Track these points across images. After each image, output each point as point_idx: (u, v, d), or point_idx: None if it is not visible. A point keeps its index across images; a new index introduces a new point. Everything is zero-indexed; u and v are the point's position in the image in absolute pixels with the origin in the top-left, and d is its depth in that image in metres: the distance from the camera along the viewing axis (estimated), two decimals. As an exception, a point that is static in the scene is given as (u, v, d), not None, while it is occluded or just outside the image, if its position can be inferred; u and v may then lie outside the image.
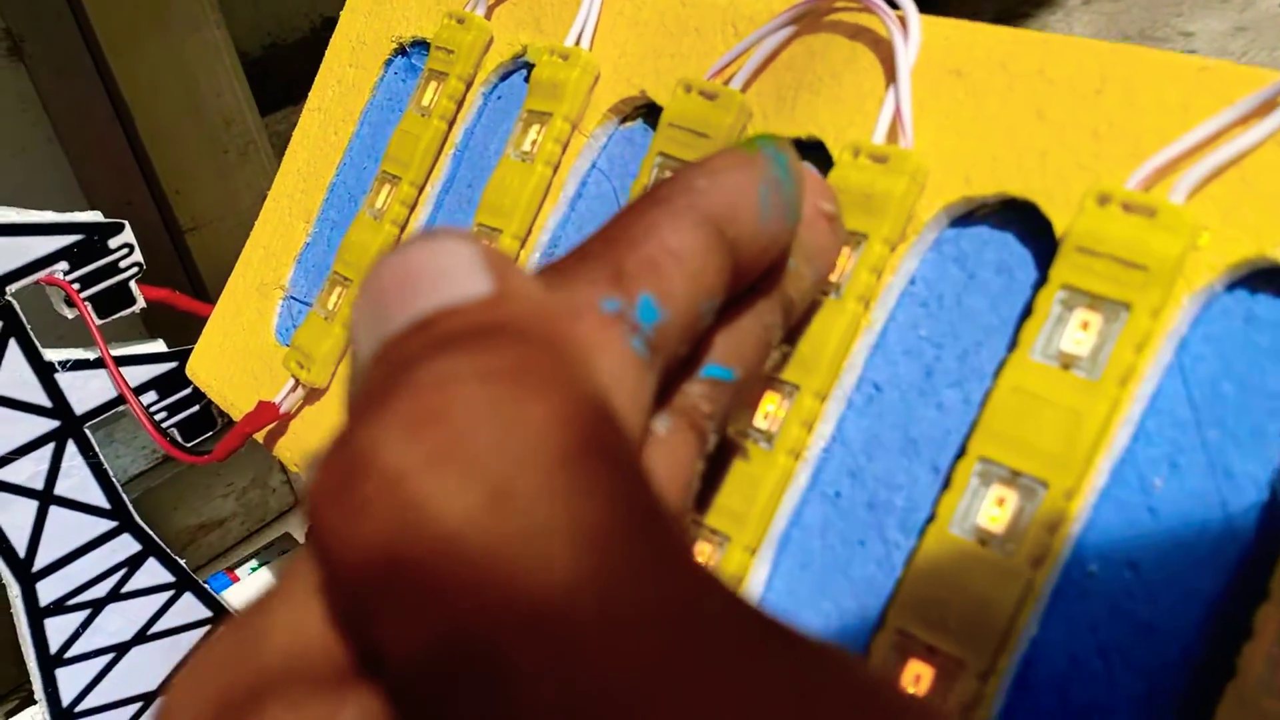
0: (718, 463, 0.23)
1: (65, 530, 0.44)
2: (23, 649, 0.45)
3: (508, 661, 0.09)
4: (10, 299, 0.42)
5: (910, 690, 0.19)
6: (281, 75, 0.97)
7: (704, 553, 0.23)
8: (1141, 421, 0.19)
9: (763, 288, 0.19)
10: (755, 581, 0.22)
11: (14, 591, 0.44)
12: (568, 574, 0.09)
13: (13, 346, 0.41)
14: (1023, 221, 0.22)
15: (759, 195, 0.17)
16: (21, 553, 0.43)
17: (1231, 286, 0.19)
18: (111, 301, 0.43)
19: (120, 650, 0.45)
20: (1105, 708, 0.18)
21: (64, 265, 0.42)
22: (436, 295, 0.12)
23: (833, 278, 0.22)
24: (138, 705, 0.46)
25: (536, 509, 0.10)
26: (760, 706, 0.09)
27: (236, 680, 0.11)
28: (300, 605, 0.11)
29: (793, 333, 0.22)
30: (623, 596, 0.10)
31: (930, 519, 0.20)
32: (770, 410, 0.23)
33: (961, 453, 0.20)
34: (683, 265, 0.16)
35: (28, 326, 0.42)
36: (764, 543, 0.22)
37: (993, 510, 0.19)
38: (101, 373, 0.43)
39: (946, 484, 0.20)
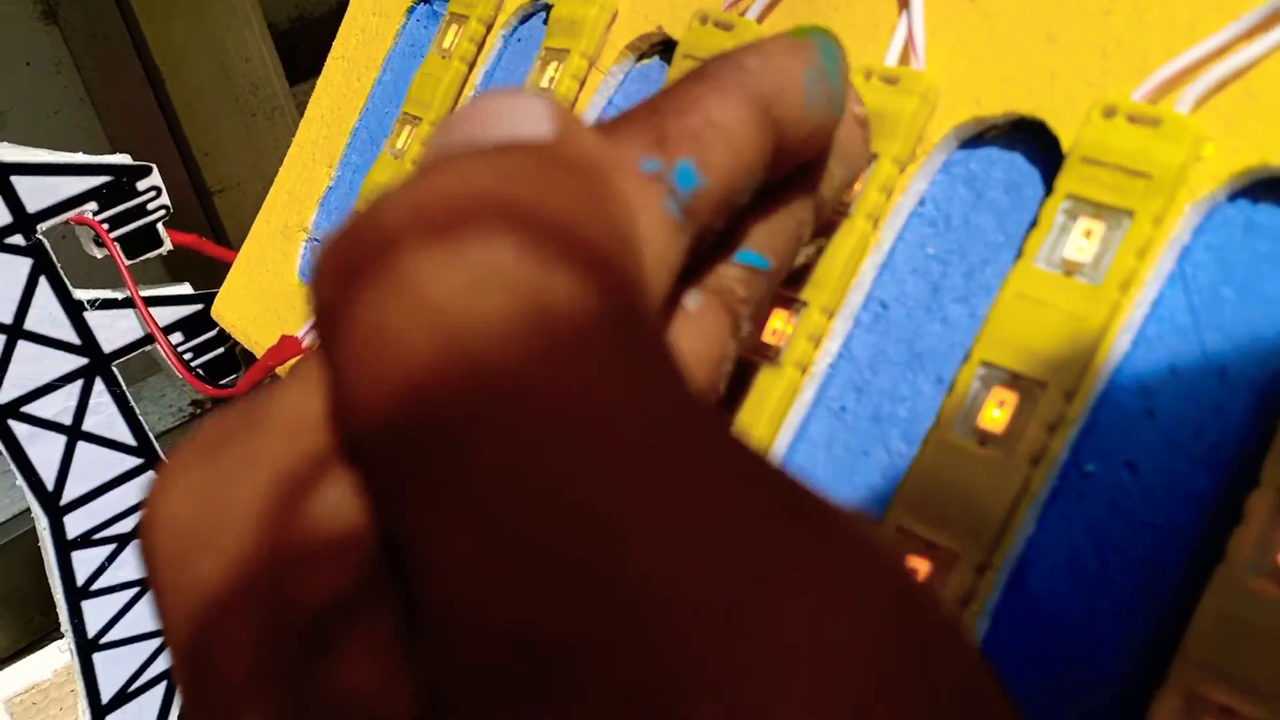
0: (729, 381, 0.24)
1: (93, 465, 0.45)
2: (50, 581, 0.46)
3: (469, 442, 0.09)
4: (41, 237, 0.43)
5: (908, 585, 0.20)
6: (309, 48, 0.98)
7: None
8: (1142, 328, 0.19)
9: (800, 183, 0.20)
10: (761, 493, 0.23)
11: (42, 524, 0.45)
12: (542, 365, 0.09)
13: (43, 284, 0.42)
14: (1031, 141, 0.22)
15: (806, 80, 0.17)
16: (50, 486, 0.44)
17: (1234, 197, 0.19)
18: (139, 243, 0.44)
19: (145, 584, 0.46)
20: (1099, 601, 0.18)
21: (93, 206, 0.43)
22: (499, 130, 0.12)
23: (844, 198, 0.23)
24: (162, 639, 0.47)
25: (519, 299, 0.10)
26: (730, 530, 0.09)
27: (234, 450, 0.11)
28: (302, 389, 0.11)
29: (826, 229, 0.22)
30: (601, 398, 0.10)
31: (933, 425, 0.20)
32: (778, 327, 0.23)
33: (965, 360, 0.20)
34: (725, 137, 0.16)
35: (58, 265, 0.43)
36: (770, 454, 0.23)
37: (993, 412, 0.20)
38: (129, 312, 0.44)
39: (950, 392, 0.20)
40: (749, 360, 0.23)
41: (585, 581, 0.09)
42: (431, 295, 0.10)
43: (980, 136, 0.23)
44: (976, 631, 0.19)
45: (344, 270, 0.10)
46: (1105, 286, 0.19)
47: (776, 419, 0.23)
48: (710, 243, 0.18)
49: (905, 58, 0.24)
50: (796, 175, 0.20)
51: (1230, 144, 0.19)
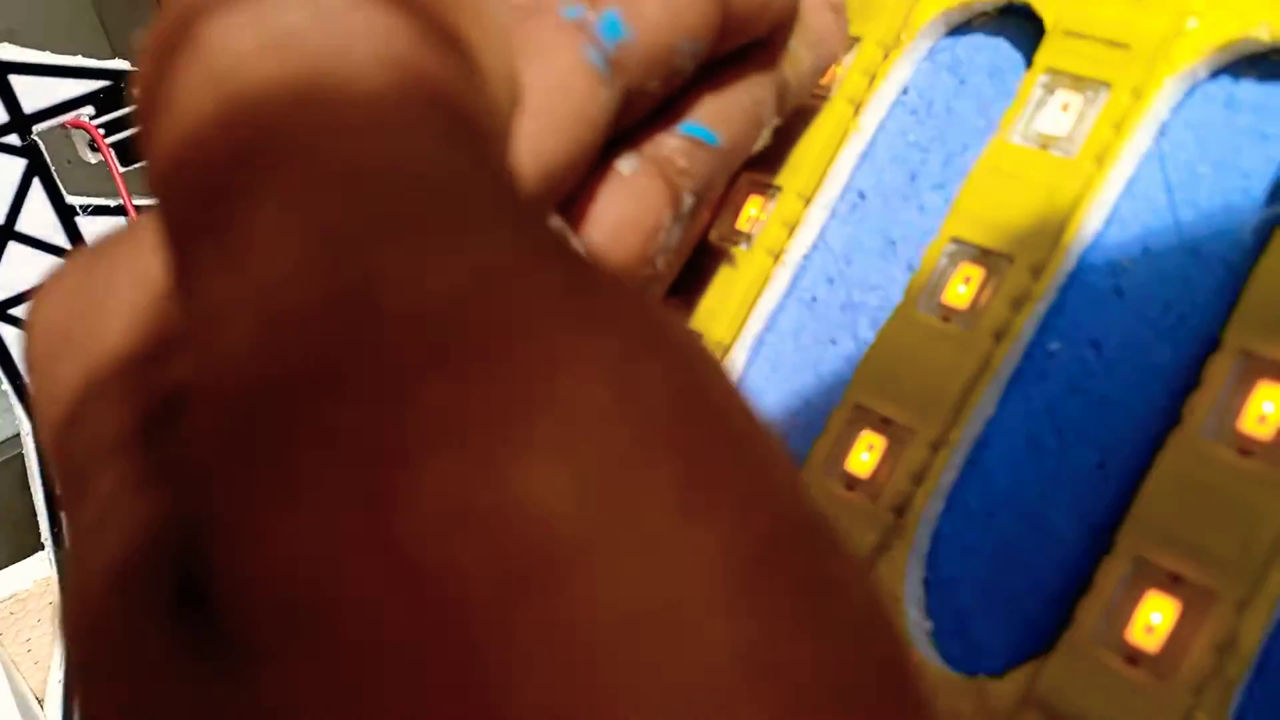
0: (700, 267, 0.24)
1: (78, 371, 0.45)
2: (31, 488, 0.46)
3: (231, 190, 0.09)
4: (36, 139, 0.43)
5: (861, 460, 0.19)
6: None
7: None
8: (1116, 206, 0.19)
9: (757, 58, 0.19)
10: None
11: (25, 429, 0.45)
12: (321, 122, 0.09)
13: (36, 186, 0.42)
14: (1019, 26, 0.21)
15: None
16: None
17: (1216, 74, 0.19)
18: (134, 150, 0.44)
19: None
20: (1057, 478, 0.18)
21: (90, 110, 0.43)
22: None
23: (824, 81, 0.22)
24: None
25: (309, 62, 0.09)
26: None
27: (105, 261, 0.12)
28: None
29: (800, 114, 0.22)
30: (375, 157, 0.09)
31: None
32: (753, 214, 0.23)
33: (935, 239, 0.20)
34: None
35: (51, 168, 0.43)
36: (737, 342, 0.22)
37: (959, 288, 0.19)
38: (120, 220, 0.44)
39: (918, 271, 0.20)
40: (721, 247, 0.23)
41: (338, 320, 0.08)
42: (220, 61, 0.09)
43: (968, 24, 0.22)
44: (931, 514, 0.19)
45: (151, 53, 0.10)
46: (1080, 159, 0.18)
47: (746, 304, 0.22)
48: (650, 108, 0.18)
49: (895, -56, 0.23)
50: (756, 51, 0.19)
51: (1213, 18, 0.18)
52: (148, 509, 0.10)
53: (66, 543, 0.11)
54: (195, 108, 0.09)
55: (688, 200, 0.19)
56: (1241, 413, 0.15)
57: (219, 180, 0.09)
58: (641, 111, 0.17)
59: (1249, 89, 0.18)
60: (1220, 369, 0.16)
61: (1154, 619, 0.15)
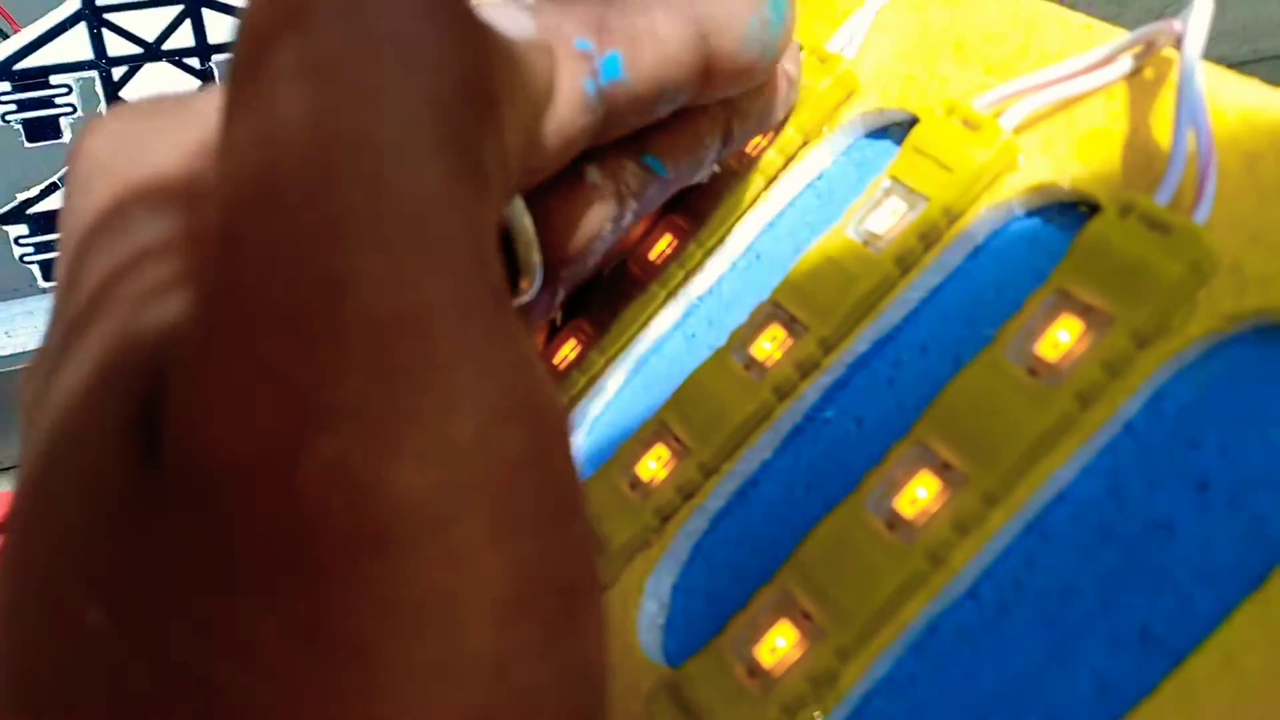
0: (612, 285, 0.27)
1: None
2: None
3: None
4: (214, 66, 0.50)
5: (649, 467, 0.22)
6: None
7: (567, 347, 0.26)
8: (918, 308, 0.21)
9: (713, 111, 0.22)
10: (608, 385, 0.26)
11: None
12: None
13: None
14: (916, 139, 0.24)
15: (749, 23, 0.19)
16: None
17: (1032, 213, 0.21)
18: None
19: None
20: (788, 523, 0.20)
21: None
22: None
23: (749, 150, 0.26)
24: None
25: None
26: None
27: (155, 119, 0.15)
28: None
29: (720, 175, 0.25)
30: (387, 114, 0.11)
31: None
32: (662, 250, 0.26)
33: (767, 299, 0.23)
34: (659, 47, 0.18)
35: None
36: (622, 355, 0.26)
37: (764, 344, 0.22)
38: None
39: (745, 321, 0.23)
40: (633, 273, 0.26)
41: (308, 300, 0.10)
42: None
43: (884, 130, 0.25)
44: (694, 530, 0.22)
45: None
46: (882, 257, 0.21)
47: (631, 322, 0.25)
48: (621, 136, 0.20)
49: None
50: (715, 104, 0.22)
51: (1039, 162, 0.20)
52: (131, 329, 0.12)
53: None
54: None
55: (629, 216, 0.21)
56: (899, 493, 0.18)
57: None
58: (616, 136, 0.20)
59: (1048, 232, 0.20)
60: (898, 452, 0.18)
61: (779, 643, 0.18)
